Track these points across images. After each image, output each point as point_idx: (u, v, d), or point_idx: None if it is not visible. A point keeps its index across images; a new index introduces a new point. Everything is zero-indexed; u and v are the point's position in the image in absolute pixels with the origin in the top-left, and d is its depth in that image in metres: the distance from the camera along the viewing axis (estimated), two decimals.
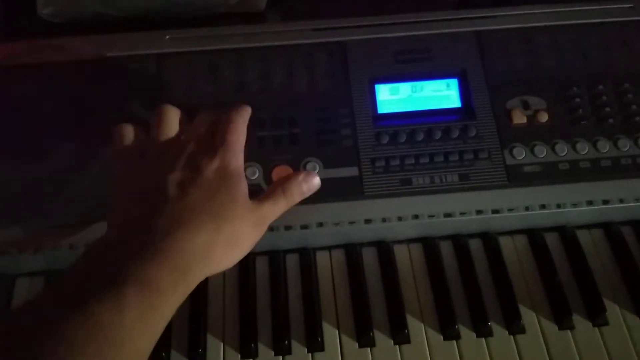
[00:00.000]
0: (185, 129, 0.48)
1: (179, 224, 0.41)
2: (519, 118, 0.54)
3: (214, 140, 0.47)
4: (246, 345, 0.48)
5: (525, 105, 0.55)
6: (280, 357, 0.48)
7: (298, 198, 0.49)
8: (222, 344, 0.49)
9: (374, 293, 0.51)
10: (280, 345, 0.48)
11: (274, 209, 0.47)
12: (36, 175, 0.50)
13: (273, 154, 0.52)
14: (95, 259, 0.40)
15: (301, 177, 0.49)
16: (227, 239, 0.43)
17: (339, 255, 0.54)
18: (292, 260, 0.53)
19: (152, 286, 0.38)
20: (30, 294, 0.51)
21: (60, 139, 0.52)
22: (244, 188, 0.46)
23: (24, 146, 0.52)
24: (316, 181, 0.50)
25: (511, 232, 0.55)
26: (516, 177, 0.52)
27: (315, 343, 0.48)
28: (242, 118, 0.49)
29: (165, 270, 0.39)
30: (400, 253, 0.53)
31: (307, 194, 0.49)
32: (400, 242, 0.54)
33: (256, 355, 0.48)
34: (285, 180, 0.49)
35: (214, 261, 0.42)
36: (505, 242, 0.54)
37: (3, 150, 0.51)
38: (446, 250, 0.54)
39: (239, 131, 0.47)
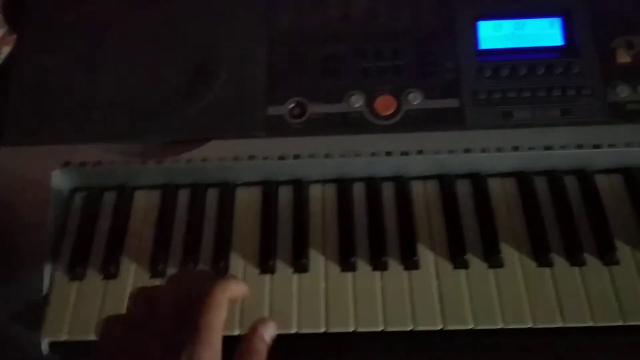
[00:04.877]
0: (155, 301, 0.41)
1: None
2: (623, 57, 0.54)
3: (184, 323, 0.39)
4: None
5: (630, 45, 0.55)
6: (378, 272, 0.51)
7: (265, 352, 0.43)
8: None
9: (468, 223, 0.53)
10: (376, 261, 0.51)
11: None
12: (158, 92, 0.54)
13: (376, 83, 0.55)
14: None
15: (259, 332, 0.44)
16: None
17: (433, 185, 0.55)
18: (388, 189, 0.55)
19: None
20: (148, 206, 0.55)
21: (180, 60, 0.56)
22: None
23: (145, 65, 0.56)
24: (272, 327, 0.45)
25: (607, 171, 0.55)
26: (618, 114, 0.53)
27: (411, 262, 0.51)
28: (223, 292, 0.41)
29: None
30: (495, 185, 0.55)
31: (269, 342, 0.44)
32: (494, 175, 0.55)
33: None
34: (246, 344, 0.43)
35: None
36: (601, 180, 0.54)
37: (127, 68, 0.56)
38: (540, 185, 0.55)
39: (216, 308, 0.40)
